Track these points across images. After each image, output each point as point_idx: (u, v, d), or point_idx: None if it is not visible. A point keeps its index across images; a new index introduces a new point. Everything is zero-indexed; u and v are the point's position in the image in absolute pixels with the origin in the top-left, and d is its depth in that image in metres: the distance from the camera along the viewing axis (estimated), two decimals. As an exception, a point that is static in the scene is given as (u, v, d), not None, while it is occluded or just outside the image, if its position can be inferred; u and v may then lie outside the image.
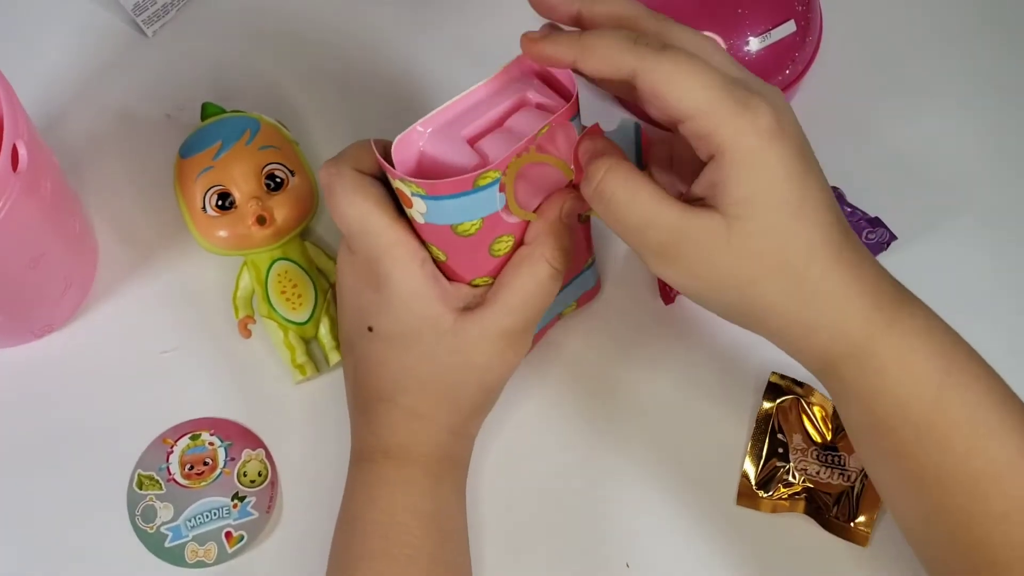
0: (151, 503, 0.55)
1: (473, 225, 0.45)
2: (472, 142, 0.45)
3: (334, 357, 0.57)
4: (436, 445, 0.49)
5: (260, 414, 0.57)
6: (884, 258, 0.58)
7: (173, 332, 0.58)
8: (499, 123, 0.45)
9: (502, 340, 0.47)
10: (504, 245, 0.48)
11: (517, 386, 0.55)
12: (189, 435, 0.56)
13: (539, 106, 0.45)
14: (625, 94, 0.46)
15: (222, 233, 0.56)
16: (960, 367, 0.43)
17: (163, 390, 0.57)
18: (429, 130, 0.45)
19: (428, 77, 0.64)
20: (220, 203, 0.56)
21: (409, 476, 0.49)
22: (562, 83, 0.46)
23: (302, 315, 0.56)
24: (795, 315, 0.42)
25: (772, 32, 0.59)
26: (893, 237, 0.59)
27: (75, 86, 0.63)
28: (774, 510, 0.55)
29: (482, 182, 0.43)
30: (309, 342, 0.58)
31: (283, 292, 0.57)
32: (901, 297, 0.43)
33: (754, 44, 0.59)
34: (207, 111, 0.59)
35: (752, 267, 0.41)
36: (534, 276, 0.47)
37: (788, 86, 0.61)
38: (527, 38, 0.43)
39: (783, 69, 0.60)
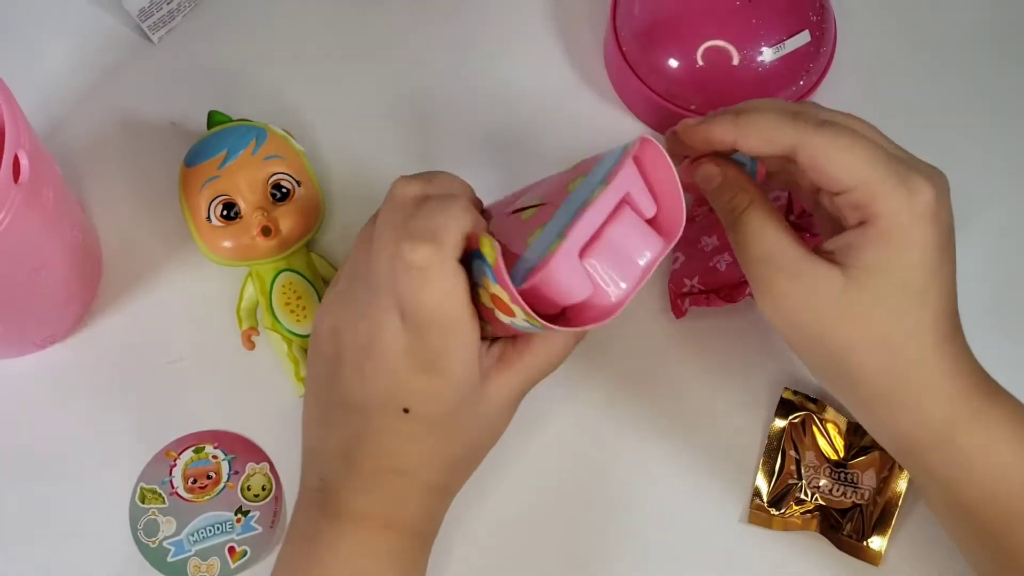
0: (153, 517, 0.54)
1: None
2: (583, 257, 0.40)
3: None
4: (437, 519, 0.48)
5: (265, 427, 0.56)
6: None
7: (177, 343, 0.57)
8: (600, 232, 0.41)
9: (517, 399, 0.46)
10: None
11: (526, 400, 0.54)
12: (192, 448, 0.55)
13: (633, 206, 0.41)
14: (779, 168, 0.47)
15: (227, 243, 0.55)
16: None
17: (166, 402, 0.56)
18: (566, 254, 0.40)
19: (437, 86, 0.63)
20: (225, 213, 0.55)
21: (400, 549, 0.46)
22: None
23: (306, 327, 0.56)
24: (884, 391, 0.43)
25: (786, 42, 0.58)
26: None
27: (79, 92, 0.62)
28: (786, 528, 0.54)
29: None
30: None
31: (287, 304, 0.56)
32: (991, 389, 0.43)
33: (768, 54, 0.58)
34: (213, 119, 0.58)
35: (853, 333, 0.42)
36: (566, 342, 0.45)
37: (802, 96, 0.60)
38: (686, 125, 0.44)
39: (797, 79, 0.60)
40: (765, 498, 0.54)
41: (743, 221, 0.44)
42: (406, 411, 0.44)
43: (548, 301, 0.41)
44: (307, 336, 0.56)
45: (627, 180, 0.41)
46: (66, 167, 0.60)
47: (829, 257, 0.42)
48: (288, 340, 0.56)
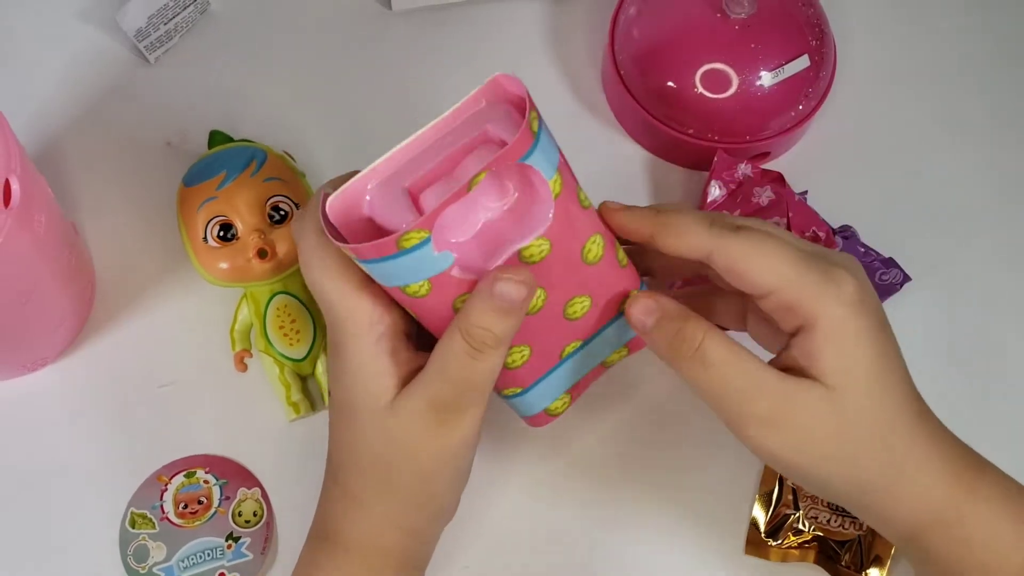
0: (143, 542, 0.54)
1: (420, 287, 0.40)
2: (416, 194, 0.40)
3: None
4: (379, 536, 0.46)
5: (257, 451, 0.56)
6: (898, 299, 0.58)
7: (170, 366, 0.57)
8: (451, 168, 0.40)
9: (429, 413, 0.43)
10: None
11: (521, 428, 0.54)
12: (184, 472, 0.55)
13: (501, 143, 0.40)
14: (695, 273, 0.47)
15: (223, 264, 0.55)
16: None
17: (158, 425, 0.56)
18: (375, 182, 0.40)
19: (435, 110, 0.62)
20: (222, 234, 0.55)
21: (350, 570, 0.45)
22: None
23: (299, 351, 0.55)
24: (887, 487, 0.43)
25: (786, 67, 0.58)
26: (907, 278, 0.57)
27: (74, 112, 0.62)
28: (784, 559, 0.54)
29: (407, 244, 0.38)
30: (306, 379, 0.56)
31: (281, 327, 0.55)
32: (976, 462, 0.44)
33: (767, 79, 0.58)
34: (214, 139, 0.58)
35: (853, 441, 0.42)
36: (447, 346, 0.42)
37: (801, 121, 0.60)
38: (606, 207, 0.44)
39: (796, 104, 0.59)
40: (762, 528, 0.54)
41: (705, 353, 0.41)
42: (330, 394, 0.46)
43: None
44: (300, 360, 0.55)
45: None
46: (60, 187, 0.59)
47: (796, 371, 0.42)
48: (280, 363, 0.55)
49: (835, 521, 0.54)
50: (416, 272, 0.40)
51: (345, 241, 0.40)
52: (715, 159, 0.58)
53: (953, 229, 0.61)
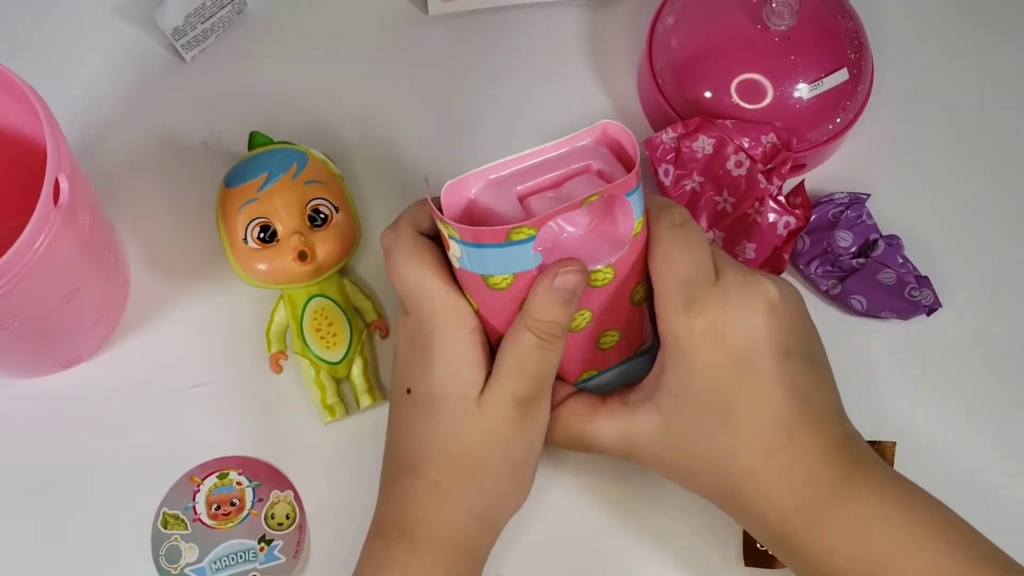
0: (175, 543, 0.54)
1: (504, 279, 0.44)
2: (523, 199, 0.44)
3: (365, 400, 0.55)
4: (457, 528, 0.47)
5: (290, 454, 0.55)
6: (927, 324, 0.57)
7: (204, 366, 0.57)
8: (556, 186, 0.44)
9: (513, 407, 0.46)
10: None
11: None
12: (217, 474, 0.55)
13: (600, 174, 0.45)
14: None
15: (262, 266, 0.55)
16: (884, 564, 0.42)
17: (191, 425, 0.56)
18: (483, 180, 0.44)
19: (472, 116, 0.63)
20: (262, 235, 0.55)
21: (423, 562, 0.46)
22: (629, 157, 0.45)
23: (336, 354, 0.55)
24: (725, 504, 0.47)
25: (824, 80, 0.58)
26: (938, 304, 0.57)
27: (112, 111, 0.62)
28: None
29: (516, 237, 0.42)
30: (341, 382, 0.56)
31: (318, 330, 0.55)
32: (834, 493, 0.43)
33: (804, 91, 0.58)
34: (254, 140, 0.58)
35: (687, 462, 0.46)
36: (519, 343, 0.45)
37: (838, 134, 0.60)
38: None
39: (834, 117, 0.59)
40: (756, 550, 0.53)
41: (560, 432, 0.49)
42: (408, 392, 0.47)
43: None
44: (335, 363, 0.55)
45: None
46: (97, 184, 0.58)
47: (639, 399, 0.47)
48: (316, 366, 0.55)
49: None
50: (509, 264, 0.44)
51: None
52: (647, 151, 0.58)
53: (989, 247, 0.61)
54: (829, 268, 0.58)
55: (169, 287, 0.59)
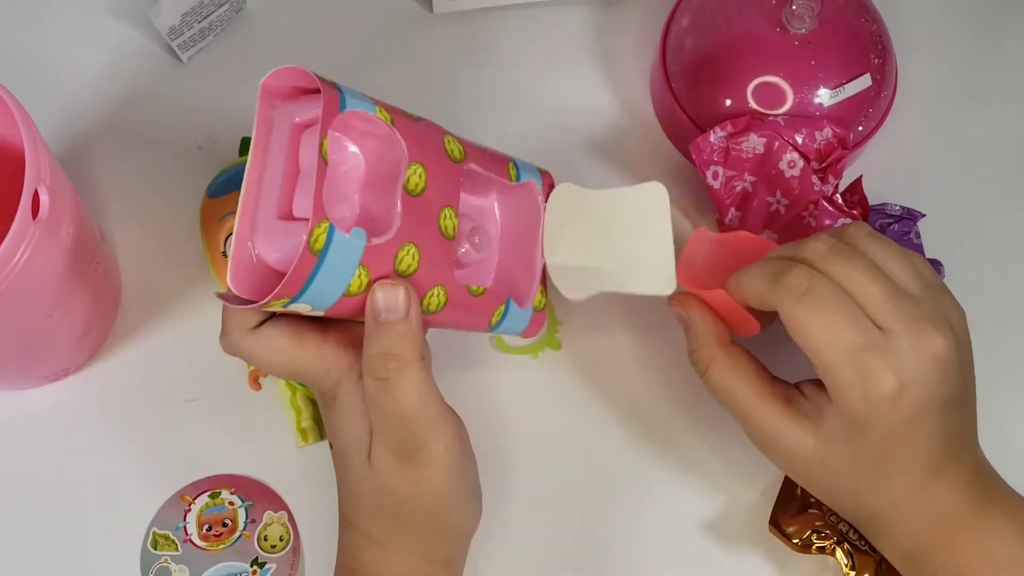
0: (166, 564, 0.52)
1: (360, 278, 0.40)
2: (286, 211, 0.41)
3: None
4: (404, 570, 0.45)
5: (284, 474, 0.54)
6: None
7: (197, 379, 0.55)
8: (294, 169, 0.41)
9: (395, 462, 0.43)
10: (407, 255, 0.43)
11: (549, 406, 0.55)
12: (208, 493, 0.53)
13: (310, 124, 0.41)
14: None
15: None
16: None
17: (182, 442, 0.54)
18: (248, 242, 0.41)
19: (484, 120, 0.61)
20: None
21: None
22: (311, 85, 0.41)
23: None
24: (862, 525, 0.47)
25: (846, 86, 0.55)
26: None
27: (104, 112, 0.60)
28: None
29: (318, 245, 0.38)
30: (317, 405, 0.54)
31: None
32: (973, 515, 0.44)
33: (826, 97, 0.55)
34: (245, 146, 0.56)
35: (826, 486, 0.46)
36: (368, 393, 0.43)
37: (861, 142, 0.57)
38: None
39: (856, 124, 0.57)
40: (783, 521, 0.52)
41: (709, 380, 0.47)
42: (331, 446, 0.47)
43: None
44: None
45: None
46: (87, 191, 0.57)
47: (805, 410, 0.45)
48: (292, 388, 0.53)
49: (853, 534, 0.51)
50: (347, 266, 0.40)
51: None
52: (694, 156, 0.55)
53: (1018, 258, 0.58)
54: None
55: (162, 297, 0.57)
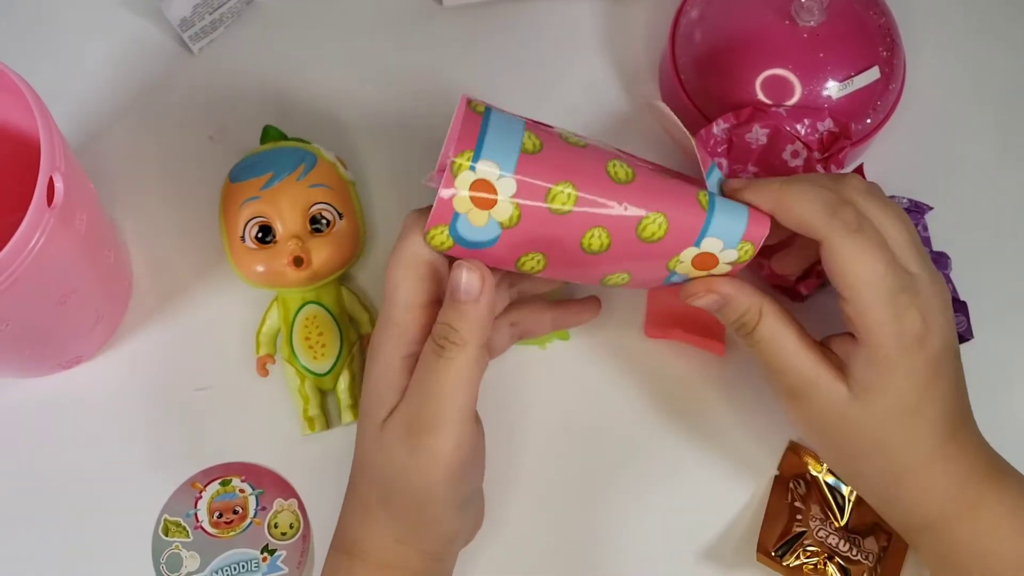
0: (177, 551, 0.52)
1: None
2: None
3: (347, 416, 0.54)
4: (383, 549, 0.45)
5: (295, 462, 0.54)
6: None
7: (208, 368, 0.55)
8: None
9: (407, 437, 0.43)
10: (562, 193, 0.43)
11: (556, 397, 0.55)
12: (219, 480, 0.53)
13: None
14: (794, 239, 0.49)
15: (258, 268, 0.53)
16: None
17: (193, 430, 0.54)
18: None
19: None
20: (260, 236, 0.53)
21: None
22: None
23: (322, 366, 0.53)
24: (882, 490, 0.47)
25: (855, 79, 0.56)
26: (969, 335, 0.55)
27: (116, 103, 0.60)
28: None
29: (479, 108, 0.43)
30: (327, 394, 0.55)
31: (307, 338, 0.53)
32: (991, 483, 0.45)
33: (834, 89, 0.55)
34: (267, 135, 0.56)
35: (855, 441, 0.46)
36: (423, 356, 0.43)
37: (869, 135, 0.57)
38: (731, 186, 0.46)
39: (864, 117, 0.57)
40: (771, 546, 0.52)
41: (755, 338, 0.46)
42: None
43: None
44: (322, 375, 0.53)
45: None
46: (100, 179, 0.58)
47: (836, 363, 0.46)
48: (301, 375, 0.54)
49: (844, 546, 0.52)
50: (513, 128, 0.43)
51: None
52: (697, 147, 0.55)
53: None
54: None
55: (174, 286, 0.57)
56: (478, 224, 0.42)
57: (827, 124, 0.54)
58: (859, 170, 0.55)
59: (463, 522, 0.47)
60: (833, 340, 0.47)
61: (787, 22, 0.55)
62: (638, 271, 0.45)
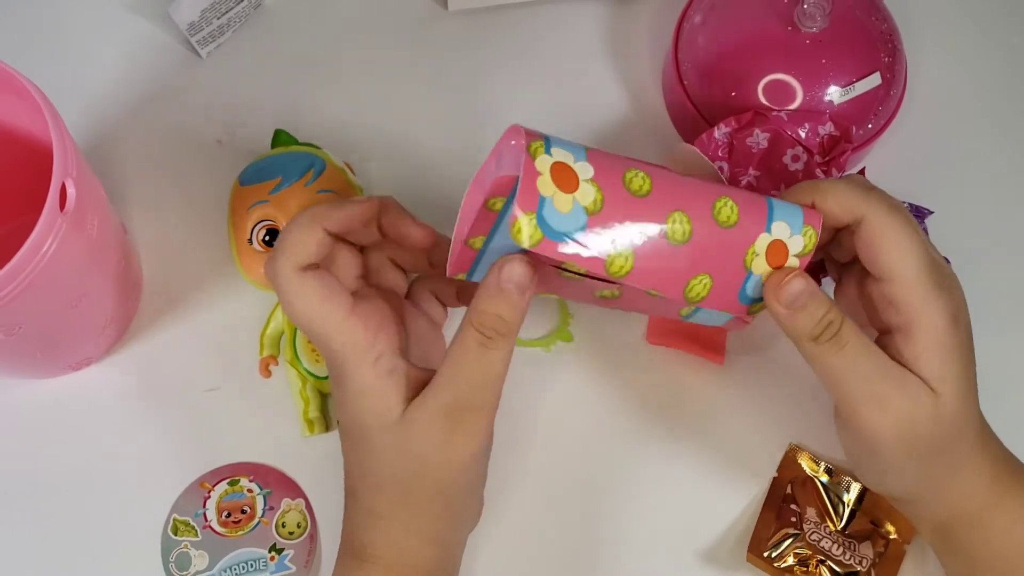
0: (186, 550, 0.53)
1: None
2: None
3: None
4: (401, 549, 0.45)
5: (302, 462, 0.55)
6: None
7: (216, 370, 0.56)
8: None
9: (445, 420, 0.43)
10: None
11: (559, 399, 0.55)
12: (228, 480, 0.54)
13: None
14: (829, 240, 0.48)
15: (263, 270, 0.54)
16: None
17: (202, 430, 0.55)
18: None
19: (500, 117, 0.61)
20: (267, 239, 0.54)
21: None
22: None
23: (324, 368, 0.54)
24: (939, 486, 0.46)
25: (856, 84, 0.56)
26: None
27: (125, 106, 0.61)
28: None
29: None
30: (327, 397, 0.55)
31: (309, 341, 0.54)
32: (1015, 467, 0.47)
33: (836, 95, 0.56)
34: (278, 139, 0.57)
35: (938, 441, 0.44)
36: (460, 343, 0.43)
37: (869, 140, 0.58)
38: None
39: (865, 123, 0.57)
40: (763, 547, 0.53)
41: (844, 340, 0.43)
42: (339, 423, 0.47)
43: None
44: (323, 377, 0.54)
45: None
46: (108, 183, 0.58)
47: (908, 365, 0.44)
48: (303, 377, 0.54)
49: (837, 550, 0.52)
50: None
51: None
52: (699, 150, 0.55)
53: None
54: None
55: (182, 288, 0.58)
56: (563, 210, 0.40)
57: (828, 128, 0.55)
58: (861, 174, 0.56)
59: (476, 506, 0.48)
60: (884, 349, 0.44)
61: (789, 28, 0.56)
62: (719, 271, 0.43)
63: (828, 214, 0.44)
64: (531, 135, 0.41)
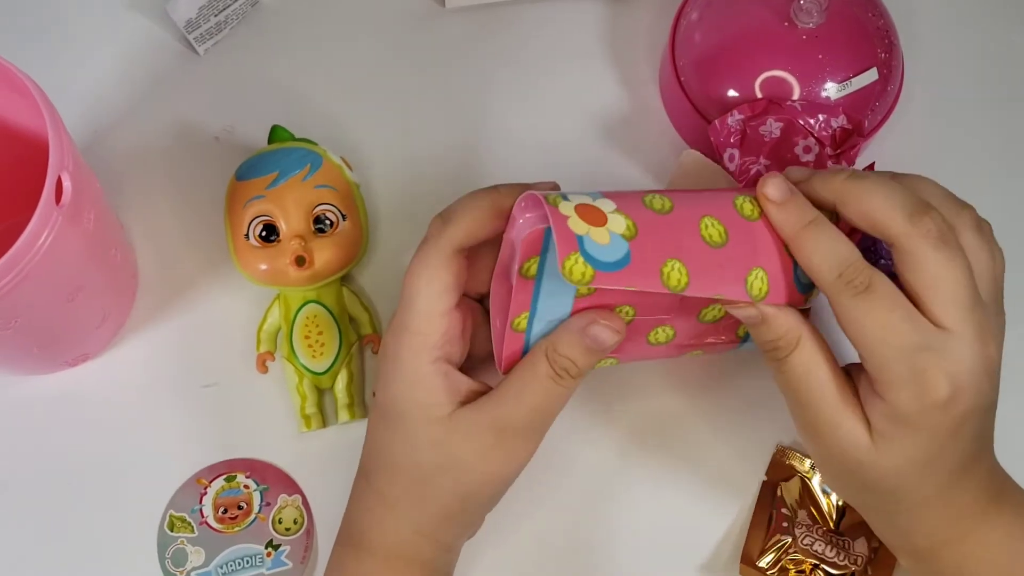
0: (182, 546, 0.53)
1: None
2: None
3: (343, 416, 0.54)
4: (400, 541, 0.46)
5: (299, 458, 0.55)
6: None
7: (213, 365, 0.56)
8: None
9: (490, 434, 0.44)
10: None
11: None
12: (224, 476, 0.54)
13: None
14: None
15: (261, 266, 0.54)
16: None
17: (199, 426, 0.55)
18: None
19: (498, 115, 0.62)
20: (264, 234, 0.54)
21: (368, 571, 0.46)
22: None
23: (321, 364, 0.54)
24: (886, 519, 0.46)
25: (853, 80, 0.56)
26: None
27: (122, 103, 0.61)
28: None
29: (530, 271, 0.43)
30: (324, 393, 0.55)
31: (307, 337, 0.54)
32: (991, 508, 0.44)
33: (832, 90, 0.56)
34: (275, 135, 0.57)
35: (868, 483, 0.44)
36: (531, 367, 0.44)
37: (866, 136, 0.58)
38: (792, 174, 0.45)
39: (861, 119, 0.57)
40: (755, 556, 0.52)
41: (787, 366, 0.44)
42: (374, 394, 0.47)
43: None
44: (320, 373, 0.54)
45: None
46: (107, 180, 0.58)
47: (860, 404, 0.43)
48: (300, 373, 0.54)
49: (830, 552, 0.52)
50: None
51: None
52: (711, 137, 0.56)
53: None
54: None
55: (179, 285, 0.58)
56: (602, 242, 0.40)
57: (840, 120, 0.55)
58: (870, 168, 0.56)
59: (481, 521, 0.48)
60: (859, 378, 0.44)
61: (786, 24, 0.56)
62: (767, 262, 0.44)
63: (852, 223, 0.43)
64: (544, 195, 0.42)
